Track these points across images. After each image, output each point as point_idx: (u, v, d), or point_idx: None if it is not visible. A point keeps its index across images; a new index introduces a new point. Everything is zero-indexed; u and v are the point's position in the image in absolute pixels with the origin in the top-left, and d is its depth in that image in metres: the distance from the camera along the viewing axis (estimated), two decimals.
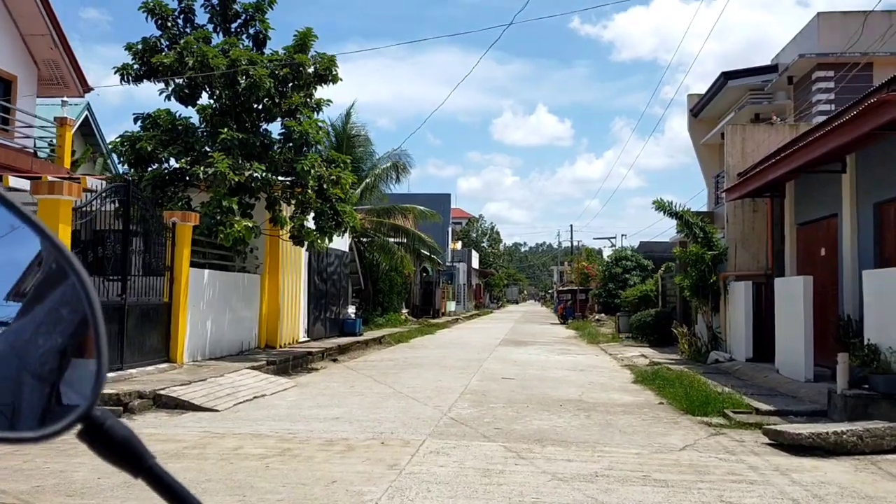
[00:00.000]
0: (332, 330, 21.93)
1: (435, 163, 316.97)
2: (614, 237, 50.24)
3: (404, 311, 38.12)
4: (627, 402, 11.14)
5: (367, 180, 31.74)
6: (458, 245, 71.90)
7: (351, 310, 23.92)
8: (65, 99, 20.04)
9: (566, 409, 10.24)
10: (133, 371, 11.25)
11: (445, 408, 10.08)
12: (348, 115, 32.38)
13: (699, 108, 26.61)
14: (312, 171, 14.41)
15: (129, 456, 0.70)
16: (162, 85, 14.77)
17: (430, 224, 49.98)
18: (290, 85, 15.41)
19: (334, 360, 17.25)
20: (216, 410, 9.50)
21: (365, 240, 33.31)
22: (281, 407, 10.09)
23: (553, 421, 9.28)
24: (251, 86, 14.19)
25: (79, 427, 0.69)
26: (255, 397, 10.66)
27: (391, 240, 33.74)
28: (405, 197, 43.95)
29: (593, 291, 44.86)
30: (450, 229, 63.12)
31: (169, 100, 14.67)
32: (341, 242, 23.22)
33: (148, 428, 8.35)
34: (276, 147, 15.19)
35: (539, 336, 29.69)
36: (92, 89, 22.69)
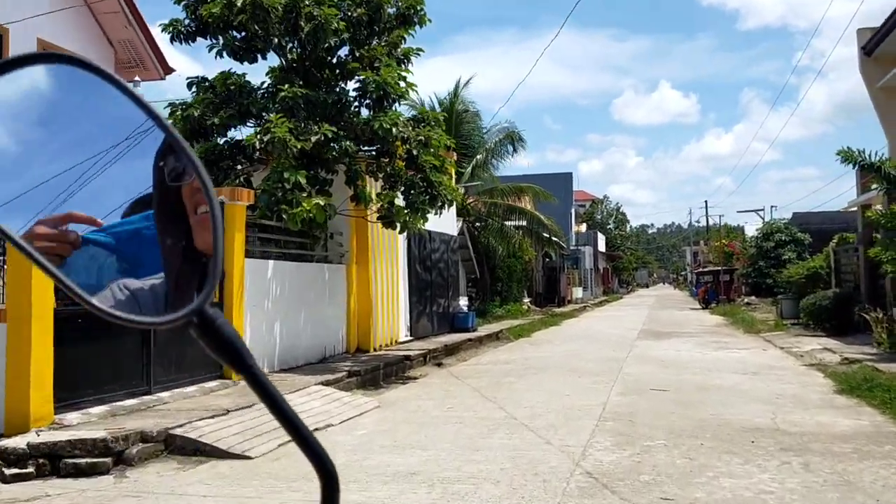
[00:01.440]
0: (441, 326, 19.05)
1: (554, 147, 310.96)
2: (762, 209, 44.70)
3: (526, 300, 34.86)
4: (847, 431, 7.50)
5: (478, 156, 28.68)
6: (583, 227, 67.62)
7: (463, 302, 21.00)
8: (137, 79, 18.14)
9: (763, 449, 6.75)
10: (165, 395, 8.70)
11: (577, 449, 6.83)
12: (457, 89, 29.43)
13: (874, 44, 21.66)
14: (394, 130, 11.46)
15: (233, 354, 0.75)
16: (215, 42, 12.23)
17: (550, 205, 46.44)
18: (367, 32, 12.53)
19: (439, 365, 14.30)
20: (248, 458, 6.71)
21: (478, 223, 30.33)
22: (343, 448, 7.18)
23: (752, 476, 5.84)
24: (316, 30, 11.38)
25: (194, 321, 0.73)
26: (315, 430, 7.78)
27: (508, 223, 30.58)
28: (522, 178, 40.64)
29: (739, 271, 39.87)
30: (572, 210, 59.11)
31: (220, 56, 12.12)
32: (449, 225, 20.28)
33: (127, 500, 5.62)
34: (352, 108, 12.36)
35: (682, 325, 25.65)
36: (173, 70, 20.84)
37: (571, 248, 55.11)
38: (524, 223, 31.58)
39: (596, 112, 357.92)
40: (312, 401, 9.02)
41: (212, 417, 7.53)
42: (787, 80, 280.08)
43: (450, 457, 6.67)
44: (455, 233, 21.19)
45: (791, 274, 22.91)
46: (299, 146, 10.82)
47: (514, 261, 31.50)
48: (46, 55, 0.77)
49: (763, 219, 41.55)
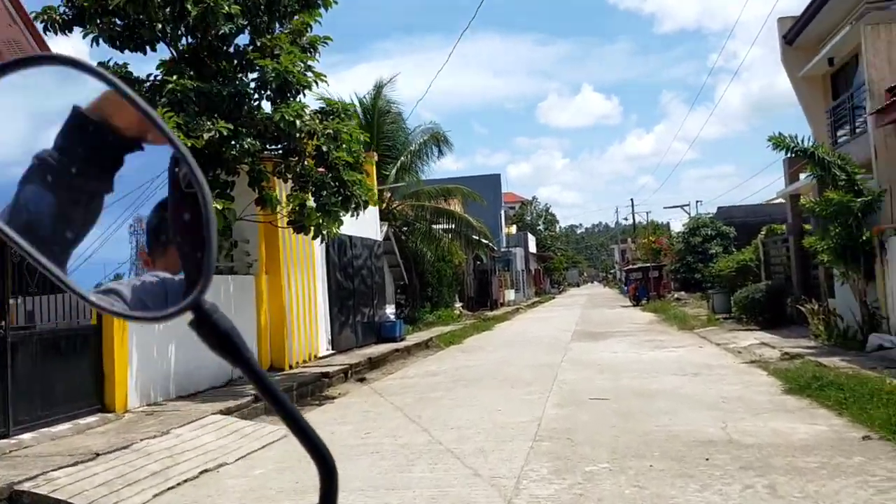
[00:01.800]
0: (367, 337, 17.90)
1: (483, 151, 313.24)
2: (687, 204, 45.10)
3: (458, 304, 33.99)
4: (808, 440, 6.75)
5: (402, 159, 27.63)
6: (513, 229, 67.34)
7: (390, 310, 19.90)
8: None
9: (720, 468, 5.90)
10: (27, 437, 7.35)
11: (510, 482, 5.84)
12: (379, 88, 28.30)
13: (795, 33, 21.57)
14: (298, 122, 10.31)
15: (230, 347, 0.76)
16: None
17: (479, 208, 45.76)
18: (266, 17, 11.34)
19: (361, 381, 13.17)
20: None
21: (405, 228, 29.29)
22: (232, 495, 6.02)
23: None
24: (204, 15, 10.14)
25: (190, 316, 0.75)
26: (201, 473, 6.61)
27: (436, 226, 29.65)
28: (450, 181, 39.76)
29: (668, 267, 39.98)
30: (502, 212, 58.66)
31: (96, 43, 10.71)
32: (371, 230, 19.17)
33: None
34: (252, 101, 11.14)
35: (616, 323, 25.15)
36: None
37: (502, 249, 54.58)
38: (453, 226, 30.71)
39: (523, 115, 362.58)
40: (205, 435, 7.78)
41: (74, 465, 6.25)
42: (705, 81, 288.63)
43: (359, 501, 5.59)
44: (379, 237, 20.09)
45: (721, 268, 22.64)
46: (189, 144, 9.55)
47: (444, 265, 30.58)
48: (48, 57, 0.78)
49: (689, 214, 41.82)
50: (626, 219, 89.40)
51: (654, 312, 30.81)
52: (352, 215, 12.15)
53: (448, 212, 29.20)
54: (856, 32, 14.86)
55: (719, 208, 39.54)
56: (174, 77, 10.26)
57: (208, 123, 9.99)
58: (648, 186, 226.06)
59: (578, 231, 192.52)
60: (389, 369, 14.93)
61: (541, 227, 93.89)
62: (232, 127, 10.10)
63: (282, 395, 0.79)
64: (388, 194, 28.65)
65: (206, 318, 0.75)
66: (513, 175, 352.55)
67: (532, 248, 69.90)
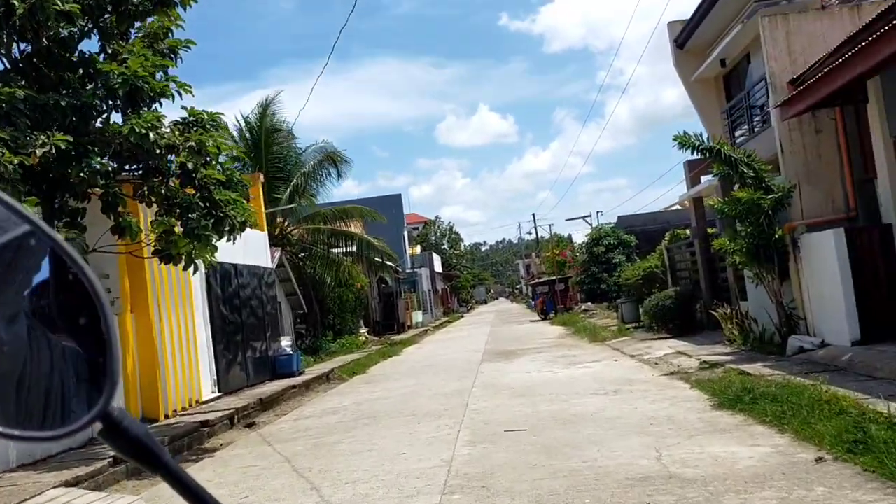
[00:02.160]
0: (260, 373, 16.35)
1: (385, 174, 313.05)
2: (588, 215, 45.17)
3: (363, 330, 32.57)
4: (756, 466, 5.86)
5: (295, 181, 26.15)
6: (417, 249, 66.43)
7: (286, 342, 18.37)
8: None
9: None
10: None
11: None
12: (265, 107, 26.75)
13: (686, 36, 21.53)
14: (152, 135, 8.86)
15: (146, 453, 0.72)
16: None
17: (382, 229, 44.59)
18: (114, 19, 9.87)
19: (250, 426, 11.67)
20: None
21: (302, 253, 27.77)
22: None
23: None
24: (33, 12, 8.59)
25: (99, 427, 0.71)
26: None
27: (336, 250, 28.24)
28: (350, 202, 38.46)
29: (573, 279, 39.83)
30: (405, 233, 57.67)
31: None
32: (261, 256, 17.65)
33: None
34: (101, 113, 9.60)
35: (526, 340, 24.38)
36: None
37: (407, 271, 53.48)
38: (354, 249, 29.36)
39: (422, 137, 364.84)
40: None
41: None
42: (595, 98, 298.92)
43: None
44: (270, 264, 18.57)
45: (627, 276, 22.24)
46: (17, 161, 7.98)
47: (346, 290, 29.15)
48: None
49: (590, 225, 41.91)
50: (529, 233, 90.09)
51: (563, 325, 30.32)
52: (228, 239, 10.71)
53: (347, 234, 27.88)
54: (749, 29, 14.60)
55: (619, 217, 39.81)
56: (1, 86, 8.64)
57: (42, 137, 8.42)
58: (548, 202, 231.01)
59: (483, 248, 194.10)
60: (284, 409, 13.47)
61: (445, 247, 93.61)
62: (71, 139, 8.55)
63: (212, 499, 0.76)
64: (282, 219, 27.09)
65: (116, 426, 0.70)
66: (415, 196, 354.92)
67: (438, 267, 69.14)
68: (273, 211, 24.31)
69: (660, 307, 17.77)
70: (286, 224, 27.43)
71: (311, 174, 26.27)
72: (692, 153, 12.80)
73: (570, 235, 52.56)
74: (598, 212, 61.75)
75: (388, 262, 37.57)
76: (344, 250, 29.14)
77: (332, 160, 26.70)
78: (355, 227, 31.10)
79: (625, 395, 10.30)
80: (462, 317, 66.12)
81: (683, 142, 12.62)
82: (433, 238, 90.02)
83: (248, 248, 16.62)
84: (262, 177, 19.61)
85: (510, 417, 9.36)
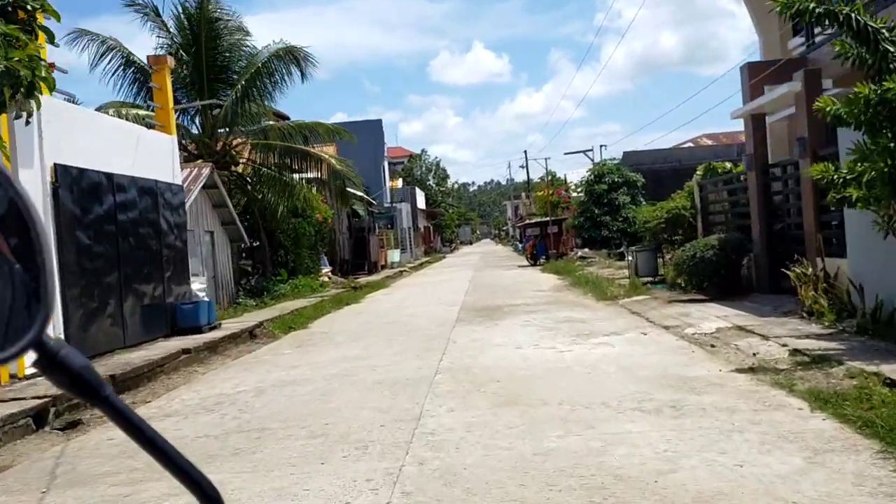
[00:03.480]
0: (151, 328, 11.85)
1: (374, 110, 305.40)
2: (590, 150, 40.36)
3: (325, 269, 28.00)
4: None
5: (242, 82, 21.15)
6: (399, 183, 61.43)
7: (197, 286, 13.89)
8: None
9: None
10: None
11: None
12: None
13: None
14: None
15: (85, 385, 0.70)
16: None
17: (359, 158, 39.70)
18: None
19: (72, 426, 7.18)
20: None
21: (253, 176, 23.00)
22: None
23: None
24: None
25: (34, 356, 0.68)
26: None
27: (297, 175, 23.48)
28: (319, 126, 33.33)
29: (569, 221, 35.30)
30: (385, 164, 52.66)
31: None
32: (161, 167, 12.92)
33: None
34: None
35: (515, 291, 19.95)
36: None
37: (385, 205, 48.74)
38: (315, 175, 24.55)
39: (414, 73, 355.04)
40: None
41: None
42: (592, 41, 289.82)
43: None
44: (179, 180, 13.85)
45: (646, 218, 17.68)
46: None
47: (303, 222, 24.48)
48: None
49: (592, 160, 37.18)
50: (522, 167, 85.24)
51: (556, 274, 25.94)
52: (12, 113, 6.03)
53: (305, 153, 22.96)
54: None
55: (625, 153, 35.12)
56: None
57: None
58: (537, 144, 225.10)
59: (471, 189, 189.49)
60: (155, 389, 9.00)
61: (431, 182, 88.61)
62: None
63: (154, 434, 0.73)
64: (225, 131, 22.23)
65: (52, 357, 0.68)
66: (406, 133, 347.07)
67: (421, 203, 64.40)
68: (184, 108, 19.41)
69: (698, 260, 13.29)
70: (231, 139, 22.58)
71: (261, 73, 21.22)
72: (808, 19, 8.02)
73: (565, 176, 47.76)
74: (601, 146, 56.88)
75: (358, 192, 32.89)
76: (307, 176, 24.40)
77: (292, 56, 21.61)
78: (325, 152, 26.12)
79: (693, 416, 5.86)
80: (444, 257, 61.72)
81: (787, 4, 7.89)
82: (418, 173, 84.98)
83: (142, 155, 11.95)
84: (170, 60, 14.66)
85: (492, 469, 4.89)
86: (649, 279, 17.39)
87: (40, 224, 0.70)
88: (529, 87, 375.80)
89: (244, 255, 23.50)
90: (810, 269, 10.46)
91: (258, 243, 23.36)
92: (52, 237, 9.65)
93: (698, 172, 17.25)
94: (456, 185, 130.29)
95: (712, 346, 9.01)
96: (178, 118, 22.02)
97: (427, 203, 72.38)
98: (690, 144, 39.27)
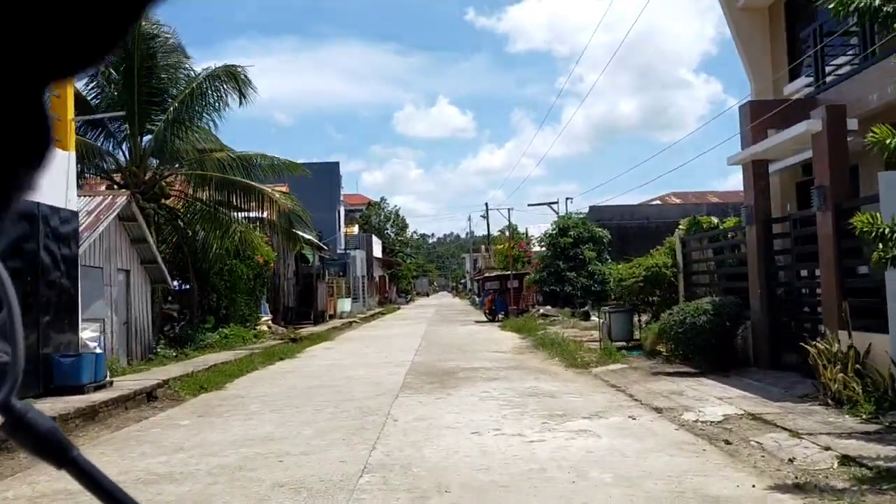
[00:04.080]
0: (22, 386, 9.37)
1: (338, 157, 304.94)
2: (556, 202, 38.70)
3: (265, 318, 25.49)
4: None
5: (176, 104, 18.94)
6: (355, 230, 59.20)
7: (89, 334, 11.43)
8: None
9: None
10: None
11: None
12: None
13: None
14: None
15: (52, 447, 0.68)
16: None
17: (313, 202, 37.54)
18: None
19: None
20: None
21: (187, 211, 20.63)
22: None
23: None
24: None
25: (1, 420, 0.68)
26: None
27: (238, 214, 21.18)
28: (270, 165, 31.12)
29: (531, 276, 33.37)
30: (342, 209, 50.52)
31: None
32: (51, 188, 10.57)
33: None
34: None
35: (472, 350, 17.76)
36: None
37: (339, 251, 46.42)
38: (262, 213, 22.26)
39: (379, 124, 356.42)
40: None
41: None
42: (554, 102, 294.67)
43: None
44: (75, 204, 11.48)
45: (622, 275, 15.72)
46: None
47: (240, 264, 22.09)
48: None
49: (557, 213, 35.53)
50: (482, 217, 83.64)
51: (517, 332, 23.86)
52: None
53: (247, 188, 20.66)
54: None
55: (591, 208, 33.51)
56: None
57: None
58: (497, 199, 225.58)
59: (430, 241, 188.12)
60: None
61: (390, 231, 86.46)
62: None
63: (127, 498, 0.70)
64: (155, 162, 19.91)
65: (20, 420, 0.67)
66: (367, 182, 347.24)
67: (377, 251, 62.13)
68: (88, 120, 17.12)
69: (688, 326, 11.30)
70: (162, 170, 20.25)
71: (197, 94, 19.04)
72: (867, 19, 6.19)
73: (526, 230, 46.14)
74: (567, 198, 55.43)
75: (307, 235, 30.61)
76: (250, 215, 22.11)
77: (230, 75, 19.48)
78: (277, 191, 23.79)
79: None
80: (399, 309, 59.29)
81: (844, 3, 6.07)
82: (376, 221, 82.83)
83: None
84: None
85: None
86: (623, 344, 15.39)
87: (11, 293, 0.65)
88: (492, 144, 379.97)
89: (170, 298, 20.97)
90: (835, 346, 8.52)
91: (189, 286, 20.91)
92: None
93: (681, 227, 15.43)
94: (415, 236, 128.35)
95: (727, 442, 6.92)
96: (104, 144, 19.76)
97: (384, 252, 70.18)
98: (658, 202, 37.96)
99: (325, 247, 38.20)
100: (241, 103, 19.37)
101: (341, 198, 50.88)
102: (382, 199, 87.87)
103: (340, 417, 8.92)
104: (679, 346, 11.69)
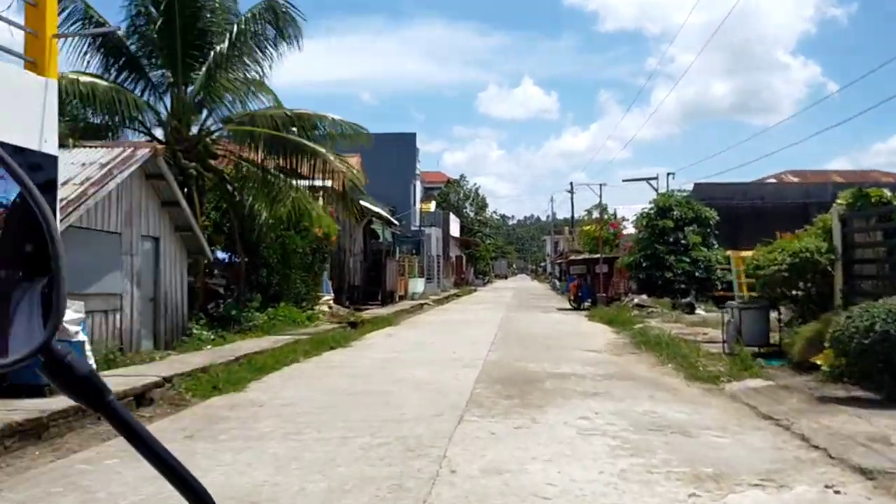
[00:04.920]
0: None
1: (420, 138, 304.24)
2: (655, 177, 34.95)
3: (326, 297, 22.94)
4: None
5: (218, 47, 16.34)
6: (432, 206, 56.42)
7: (71, 315, 8.90)
8: None
9: None
10: None
11: None
12: None
13: None
14: None
15: (89, 391, 0.69)
16: None
17: (387, 176, 35.05)
18: None
19: None
20: None
21: (235, 171, 18.14)
22: None
23: None
24: None
25: (41, 360, 0.67)
26: None
27: (301, 182, 18.53)
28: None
29: (623, 260, 29.76)
30: (416, 183, 47.74)
31: None
32: (4, 119, 7.97)
33: None
34: None
35: (558, 348, 14.61)
36: None
37: (413, 228, 43.78)
38: (326, 182, 19.56)
39: (462, 104, 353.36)
40: None
41: None
42: (644, 84, 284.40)
43: None
44: (54, 146, 8.88)
45: (763, 262, 12.22)
46: None
47: (294, 236, 19.52)
48: None
49: (656, 190, 31.74)
50: (568, 192, 80.00)
51: (609, 325, 20.60)
52: None
53: (297, 147, 17.79)
54: None
55: (696, 185, 29.64)
56: None
57: None
58: (580, 181, 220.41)
59: (510, 222, 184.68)
60: None
61: (469, 210, 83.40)
62: None
63: (154, 441, 0.72)
64: (204, 116, 17.46)
65: (59, 362, 0.67)
66: (448, 162, 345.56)
67: (455, 231, 59.31)
68: (72, 35, 14.51)
69: (881, 336, 7.86)
70: (208, 126, 17.78)
71: (242, 36, 16.40)
72: None
73: (615, 211, 42.11)
74: (668, 174, 50.70)
75: (375, 208, 27.99)
76: (309, 183, 19.42)
77: (273, 12, 16.75)
78: (342, 164, 20.90)
79: None
80: (475, 291, 56.35)
81: None
82: (455, 199, 79.83)
83: None
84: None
85: None
86: (755, 349, 11.99)
87: (54, 227, 0.67)
88: (575, 126, 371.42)
89: (216, 272, 18.62)
90: None
91: (237, 259, 18.50)
92: None
93: (840, 201, 11.84)
94: (495, 216, 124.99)
95: None
96: (144, 94, 17.40)
97: (462, 231, 67.34)
98: (773, 181, 33.59)
99: (396, 222, 35.57)
100: (289, 43, 16.60)
101: (417, 172, 48.17)
102: (462, 176, 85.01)
103: (373, 458, 6.01)
104: (861, 361, 8.26)
